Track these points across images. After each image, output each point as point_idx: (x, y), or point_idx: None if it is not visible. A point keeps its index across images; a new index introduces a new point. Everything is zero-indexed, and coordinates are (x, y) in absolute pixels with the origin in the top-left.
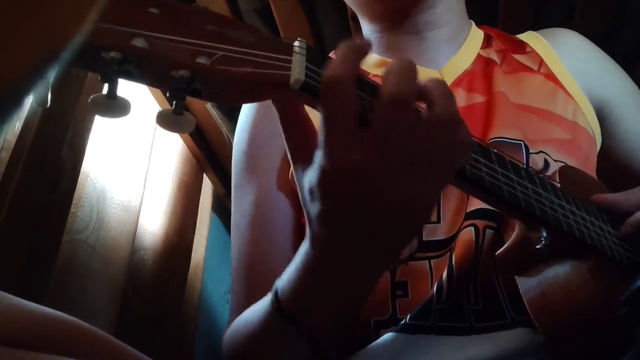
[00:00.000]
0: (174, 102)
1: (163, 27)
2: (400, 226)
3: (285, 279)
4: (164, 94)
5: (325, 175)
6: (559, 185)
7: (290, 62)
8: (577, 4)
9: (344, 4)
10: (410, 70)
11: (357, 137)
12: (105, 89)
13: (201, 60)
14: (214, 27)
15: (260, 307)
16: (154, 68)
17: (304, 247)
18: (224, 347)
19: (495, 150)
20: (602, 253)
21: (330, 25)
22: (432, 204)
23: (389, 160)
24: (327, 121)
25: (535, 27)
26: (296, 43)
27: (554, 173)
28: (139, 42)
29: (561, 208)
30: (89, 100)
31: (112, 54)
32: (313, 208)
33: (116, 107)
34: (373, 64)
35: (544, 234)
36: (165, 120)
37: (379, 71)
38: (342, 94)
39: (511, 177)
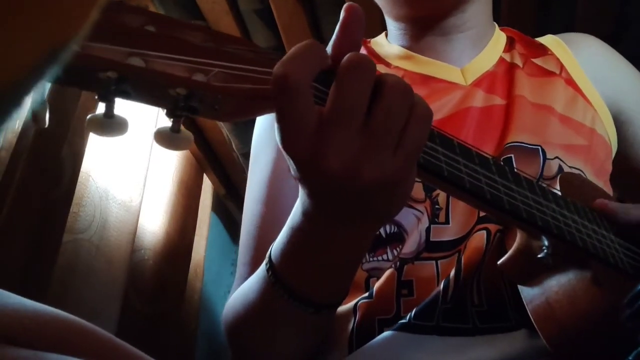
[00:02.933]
0: (172, 120)
1: (159, 45)
2: (376, 201)
3: (277, 242)
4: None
5: (297, 170)
6: (559, 192)
7: None
8: (580, 4)
9: (345, 4)
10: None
11: (313, 131)
12: (103, 108)
13: (198, 77)
14: (211, 44)
15: (256, 275)
16: (150, 86)
17: (295, 211)
18: (222, 319)
19: (500, 160)
20: (605, 260)
21: (331, 26)
22: (409, 172)
23: (349, 140)
24: (280, 120)
25: (539, 27)
26: None
27: (555, 180)
28: (135, 61)
29: (562, 216)
30: (86, 120)
31: (109, 73)
32: (300, 188)
33: (114, 125)
34: (396, 55)
35: (546, 243)
36: (163, 138)
37: (400, 63)
38: (294, 97)
39: (511, 187)
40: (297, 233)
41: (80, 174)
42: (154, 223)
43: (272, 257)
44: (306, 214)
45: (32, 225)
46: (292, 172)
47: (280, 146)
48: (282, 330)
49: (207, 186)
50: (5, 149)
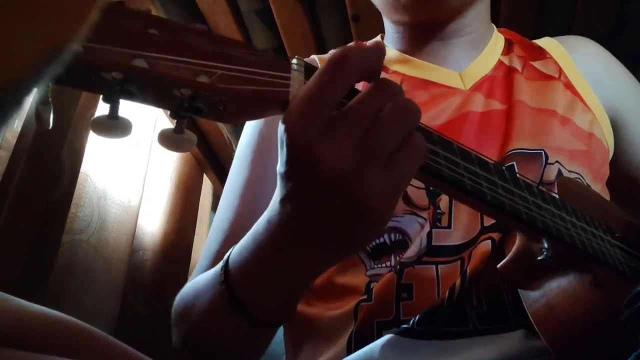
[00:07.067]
0: (175, 121)
1: (162, 47)
2: (359, 222)
3: (237, 247)
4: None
5: (289, 157)
6: (557, 196)
7: (289, 79)
8: (579, 3)
9: (345, 4)
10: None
11: (325, 120)
12: (106, 110)
13: (202, 79)
14: (214, 47)
15: (214, 270)
16: (155, 87)
17: (260, 220)
18: (173, 304)
19: (504, 165)
20: (605, 262)
21: (331, 25)
22: (392, 200)
23: (356, 151)
24: (312, 98)
25: (537, 26)
26: (294, 61)
27: (553, 184)
28: (139, 63)
29: (561, 219)
30: (91, 121)
31: (114, 74)
32: (279, 189)
33: (118, 127)
34: (393, 59)
35: (546, 245)
36: (167, 139)
37: (398, 67)
38: (339, 78)
39: (511, 189)
40: (258, 242)
41: (80, 174)
42: (153, 224)
43: (230, 260)
44: (271, 222)
45: (32, 226)
46: (279, 165)
47: (285, 126)
48: (221, 334)
49: (207, 186)
50: (5, 149)
